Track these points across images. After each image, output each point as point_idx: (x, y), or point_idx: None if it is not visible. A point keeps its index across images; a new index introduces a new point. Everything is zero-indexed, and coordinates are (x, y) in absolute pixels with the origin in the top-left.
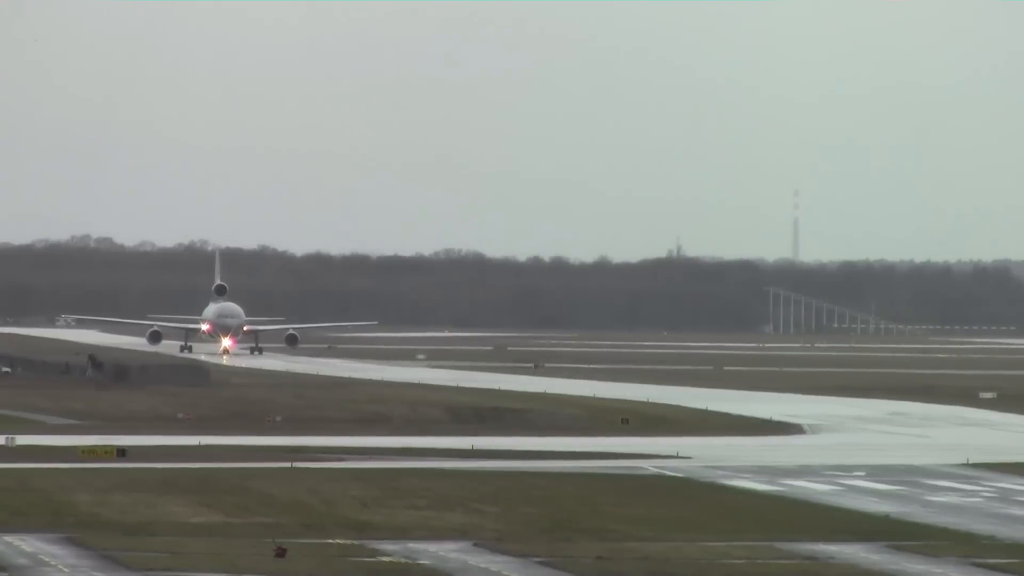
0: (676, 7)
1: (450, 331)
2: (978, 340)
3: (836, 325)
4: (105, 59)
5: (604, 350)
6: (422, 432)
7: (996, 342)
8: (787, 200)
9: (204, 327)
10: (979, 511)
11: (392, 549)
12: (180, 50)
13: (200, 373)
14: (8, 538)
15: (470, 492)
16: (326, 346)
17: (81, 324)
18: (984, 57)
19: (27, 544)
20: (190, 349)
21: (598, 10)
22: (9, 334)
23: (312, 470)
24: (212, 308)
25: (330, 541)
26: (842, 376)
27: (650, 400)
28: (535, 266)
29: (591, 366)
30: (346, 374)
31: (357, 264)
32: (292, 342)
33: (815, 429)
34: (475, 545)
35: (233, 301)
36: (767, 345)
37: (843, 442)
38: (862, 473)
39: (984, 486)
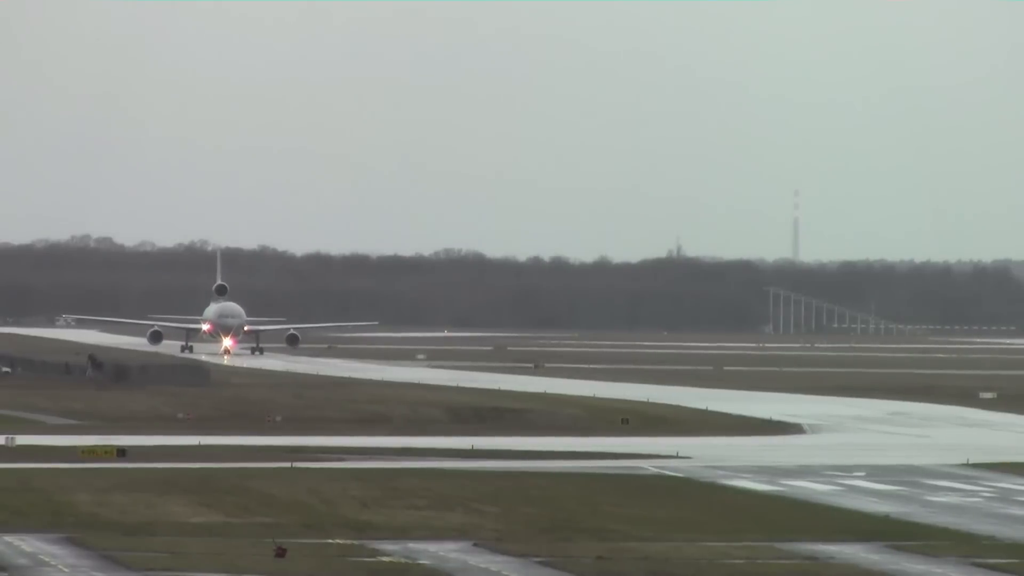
0: (676, 7)
1: (449, 331)
2: (978, 340)
3: (836, 325)
4: (105, 59)
5: (604, 350)
6: (422, 432)
7: (996, 342)
8: (787, 200)
9: (205, 327)
10: (979, 511)
11: (392, 549)
12: (180, 50)
13: (200, 373)
14: (8, 538)
15: (470, 492)
16: (326, 346)
17: (81, 324)
18: (984, 58)
19: (27, 544)
20: (191, 349)
21: (598, 11)
22: (9, 334)
23: (312, 470)
24: (213, 308)
25: (330, 541)
26: (842, 376)
27: (650, 400)
28: (535, 266)
29: (591, 366)
30: (346, 374)
31: (357, 264)
32: (293, 342)
33: (815, 429)
34: (475, 545)
35: (233, 301)
36: (767, 345)
37: (843, 442)
38: (862, 473)
39: (984, 486)
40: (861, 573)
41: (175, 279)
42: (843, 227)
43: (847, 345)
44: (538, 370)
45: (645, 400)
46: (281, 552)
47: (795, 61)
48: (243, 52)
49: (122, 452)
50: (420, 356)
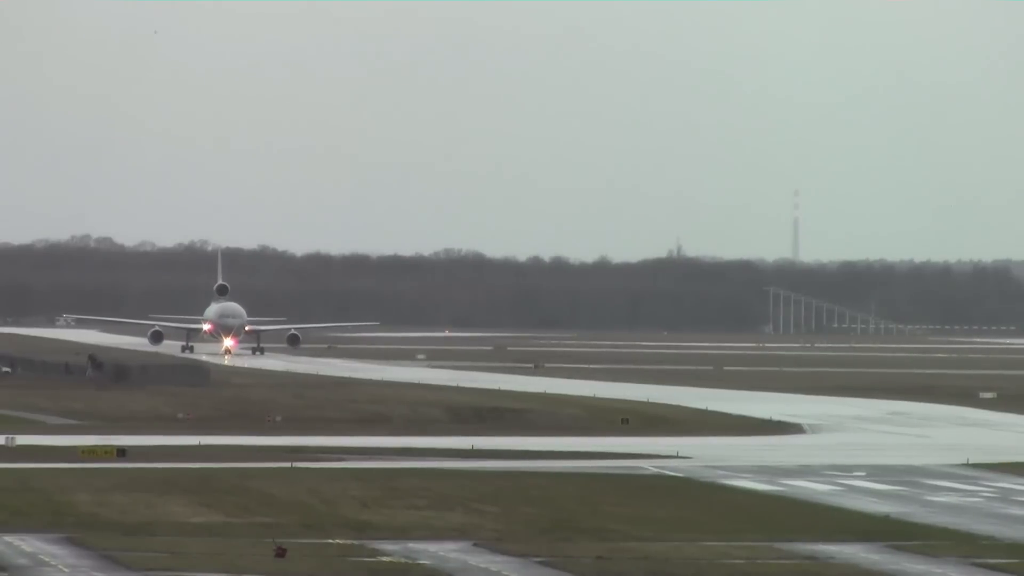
0: (676, 7)
1: (450, 331)
2: (978, 340)
3: (836, 325)
4: (105, 58)
5: (604, 350)
6: (422, 432)
7: (996, 342)
8: (787, 200)
9: (206, 327)
10: (979, 511)
11: (392, 549)
12: (180, 49)
13: (200, 373)
14: (8, 538)
15: (470, 492)
16: (326, 346)
17: (81, 324)
18: (984, 57)
19: (27, 544)
20: (192, 349)
21: (598, 10)
22: (9, 334)
23: (312, 470)
24: (214, 308)
25: (330, 541)
26: (842, 376)
27: (650, 400)
28: (535, 266)
29: (591, 366)
30: (346, 374)
31: (357, 264)
32: (294, 342)
33: (815, 429)
34: (475, 545)
35: (234, 301)
36: (767, 345)
37: (843, 442)
38: (862, 473)
39: (984, 486)
40: (861, 573)
41: (175, 279)
42: (843, 227)
43: (847, 345)
44: (538, 370)
45: (645, 400)
46: (281, 552)
47: (795, 61)
48: (243, 52)
49: (122, 452)
50: (420, 356)
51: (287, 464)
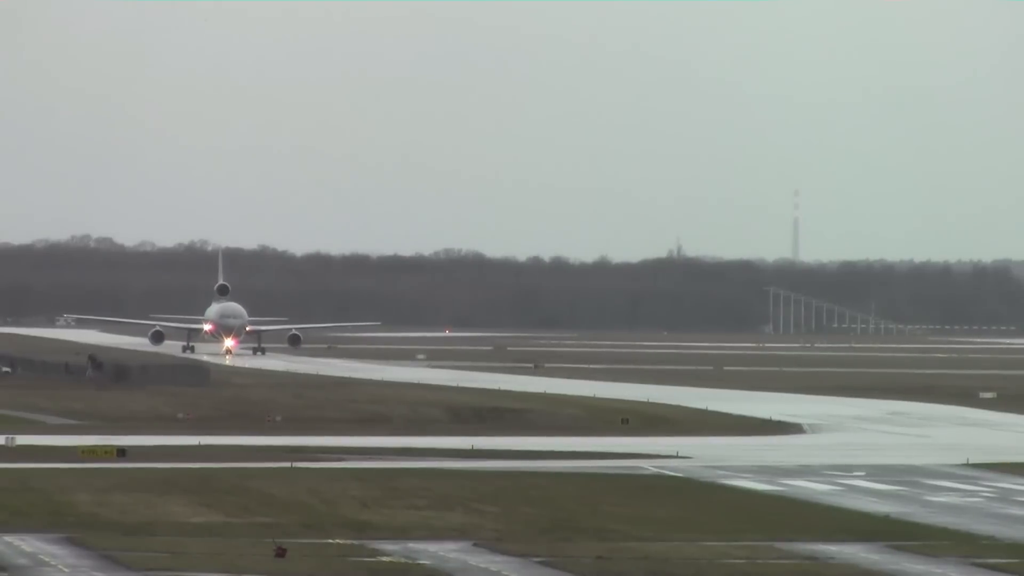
0: (676, 7)
1: (449, 331)
2: (978, 340)
3: (836, 325)
4: (105, 59)
5: (604, 350)
6: (422, 432)
7: (996, 342)
8: (787, 200)
9: (207, 327)
10: (979, 511)
11: (392, 549)
12: (180, 50)
13: (200, 373)
14: (8, 538)
15: (470, 492)
16: (326, 346)
17: (81, 324)
18: (984, 57)
19: (27, 544)
20: (192, 349)
21: (598, 10)
22: (9, 334)
23: (312, 470)
24: (215, 308)
25: (330, 541)
26: (842, 376)
27: (650, 400)
28: (535, 266)
29: (591, 366)
30: (346, 374)
31: (357, 264)
32: (295, 342)
33: (815, 429)
34: (475, 545)
35: (234, 301)
36: (767, 345)
37: (843, 442)
38: (862, 473)
39: (984, 486)
40: (861, 573)
41: (175, 279)
42: (843, 227)
43: (847, 345)
44: (538, 370)
45: (645, 400)
46: (281, 552)
47: (795, 61)
48: (243, 52)
49: (122, 452)
50: (420, 356)
51: (287, 464)
